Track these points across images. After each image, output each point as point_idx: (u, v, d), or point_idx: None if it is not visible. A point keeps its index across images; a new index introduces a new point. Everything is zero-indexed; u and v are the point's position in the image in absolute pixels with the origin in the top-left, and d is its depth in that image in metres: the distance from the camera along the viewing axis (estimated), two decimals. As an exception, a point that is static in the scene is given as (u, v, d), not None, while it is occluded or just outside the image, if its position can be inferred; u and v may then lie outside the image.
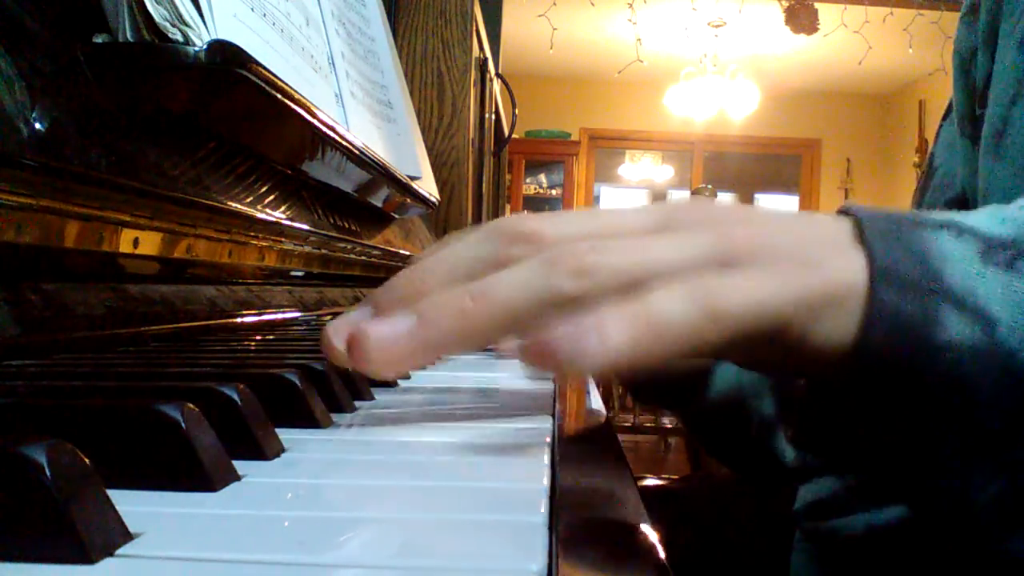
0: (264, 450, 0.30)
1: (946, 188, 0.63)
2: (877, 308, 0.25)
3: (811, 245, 0.26)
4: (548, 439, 0.35)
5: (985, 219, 0.26)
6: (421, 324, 0.28)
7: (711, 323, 0.25)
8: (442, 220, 1.92)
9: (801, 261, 0.26)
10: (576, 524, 0.24)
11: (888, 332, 0.24)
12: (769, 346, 0.26)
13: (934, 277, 0.25)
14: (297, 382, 0.36)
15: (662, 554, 0.22)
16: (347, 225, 0.99)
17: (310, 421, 0.36)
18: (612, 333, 0.24)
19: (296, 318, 0.80)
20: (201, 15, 0.57)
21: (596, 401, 0.53)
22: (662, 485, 0.92)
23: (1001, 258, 0.25)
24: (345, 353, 0.30)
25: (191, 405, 0.26)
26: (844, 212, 0.28)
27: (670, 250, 0.26)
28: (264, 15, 0.70)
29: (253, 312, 0.71)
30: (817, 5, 4.47)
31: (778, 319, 0.25)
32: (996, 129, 0.49)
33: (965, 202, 0.60)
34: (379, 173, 0.98)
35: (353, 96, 0.98)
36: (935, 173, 0.65)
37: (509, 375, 0.59)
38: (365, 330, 0.28)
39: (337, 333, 0.30)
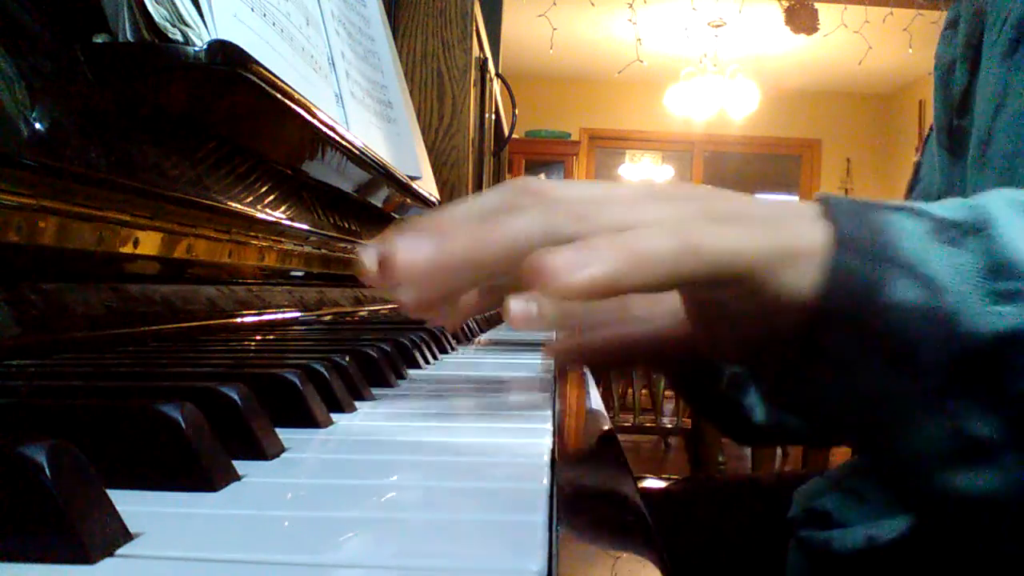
0: (264, 450, 0.30)
1: (926, 198, 0.64)
2: (835, 267, 0.28)
3: (783, 214, 0.30)
4: (548, 440, 0.35)
5: (940, 207, 0.30)
6: (440, 244, 0.31)
7: (691, 256, 0.28)
8: (442, 220, 1.92)
9: (773, 225, 0.30)
10: (576, 524, 0.24)
11: (844, 289, 0.28)
12: (737, 290, 0.29)
13: (889, 247, 0.28)
14: (297, 382, 0.36)
15: (662, 553, 0.22)
16: (347, 225, 0.99)
17: (310, 421, 0.36)
18: (599, 256, 0.27)
19: (296, 318, 0.80)
20: (201, 15, 0.57)
21: (596, 400, 0.53)
22: (662, 488, 0.92)
23: (949, 236, 0.28)
24: (375, 271, 0.33)
25: (191, 405, 0.26)
26: (815, 200, 0.31)
27: (659, 212, 0.30)
28: (264, 15, 0.70)
29: (253, 312, 0.71)
30: (817, 5, 4.46)
31: (748, 264, 0.28)
32: (981, 140, 0.49)
33: None
34: (379, 173, 0.98)
35: (353, 96, 0.98)
36: (919, 182, 0.67)
37: (508, 375, 0.59)
38: (395, 243, 0.31)
39: (367, 253, 0.33)
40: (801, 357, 0.30)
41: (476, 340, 0.88)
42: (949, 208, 0.29)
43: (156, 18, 0.54)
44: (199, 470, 0.25)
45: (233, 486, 0.26)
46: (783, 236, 0.29)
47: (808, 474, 0.67)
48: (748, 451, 1.94)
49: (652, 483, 0.91)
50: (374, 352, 0.51)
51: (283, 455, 0.31)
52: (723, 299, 0.31)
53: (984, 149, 0.49)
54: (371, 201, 1.10)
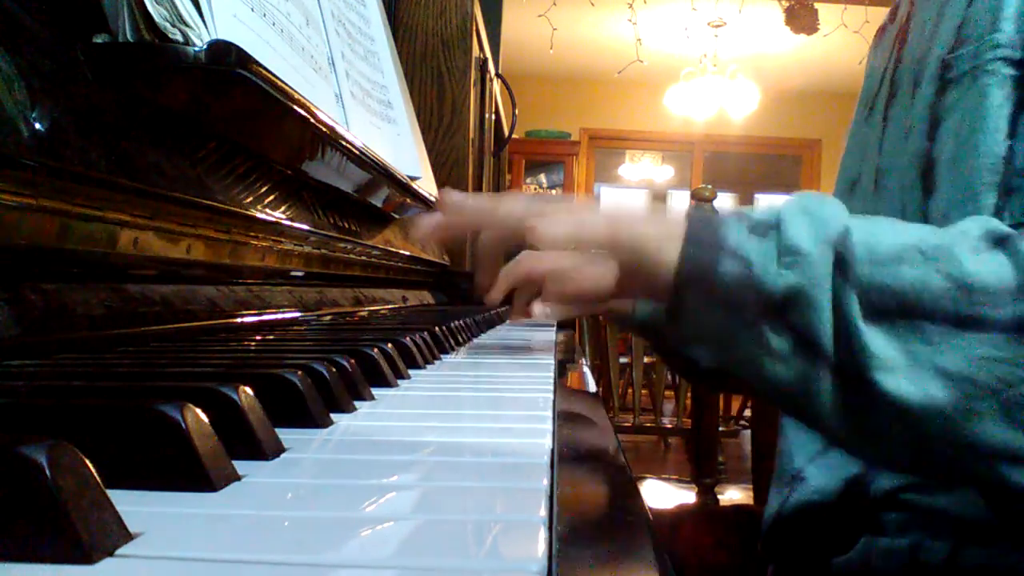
0: (264, 450, 0.30)
1: None
2: (685, 254, 0.46)
3: (663, 219, 0.49)
4: (548, 440, 0.35)
5: (759, 212, 0.46)
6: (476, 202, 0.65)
7: (613, 228, 0.50)
8: (442, 220, 1.92)
9: (660, 225, 0.48)
10: (576, 524, 0.24)
11: (691, 266, 0.46)
12: (638, 256, 0.49)
13: (720, 240, 0.45)
14: (297, 382, 0.36)
15: (661, 554, 0.22)
16: (347, 225, 0.99)
17: (310, 421, 0.36)
18: (562, 222, 0.52)
19: (296, 318, 0.80)
20: (201, 15, 0.57)
21: (591, 386, 0.55)
22: (659, 511, 1.12)
23: (759, 231, 0.45)
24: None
25: (191, 405, 0.26)
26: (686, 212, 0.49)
27: (591, 224, 0.52)
28: (264, 15, 0.70)
29: (253, 312, 0.71)
30: (817, 5, 4.46)
31: (643, 239, 0.48)
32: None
33: None
34: (379, 173, 0.98)
35: (353, 96, 0.98)
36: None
37: (508, 374, 0.59)
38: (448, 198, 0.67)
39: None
40: (673, 309, 0.47)
41: (475, 341, 0.88)
42: (763, 213, 0.46)
43: (156, 18, 0.54)
44: (199, 470, 0.25)
45: (233, 486, 0.26)
46: (663, 230, 0.48)
47: None
48: (748, 451, 1.97)
49: (651, 505, 0.99)
50: (374, 352, 0.51)
51: (283, 455, 0.31)
52: (632, 266, 0.49)
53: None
54: (371, 201, 1.10)
